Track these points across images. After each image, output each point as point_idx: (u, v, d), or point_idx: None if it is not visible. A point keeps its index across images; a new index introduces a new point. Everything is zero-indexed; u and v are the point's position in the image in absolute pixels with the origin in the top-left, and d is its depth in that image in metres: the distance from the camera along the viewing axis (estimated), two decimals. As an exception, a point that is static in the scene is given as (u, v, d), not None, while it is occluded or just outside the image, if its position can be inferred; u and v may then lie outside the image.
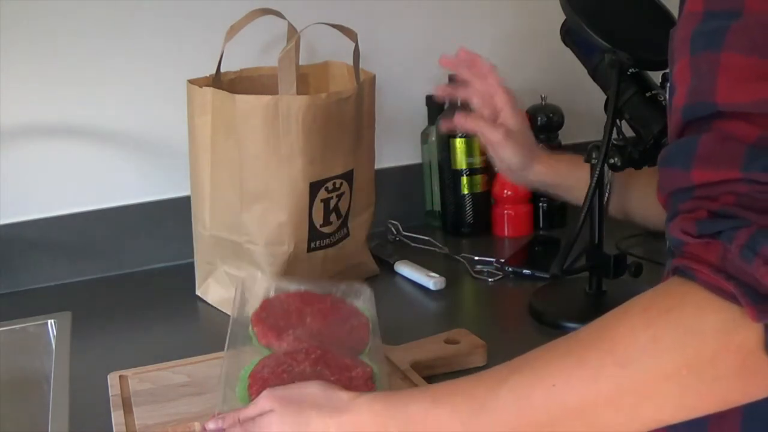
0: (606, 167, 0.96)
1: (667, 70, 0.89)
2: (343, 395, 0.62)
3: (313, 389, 0.63)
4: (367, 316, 0.81)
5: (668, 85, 0.57)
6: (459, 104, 1.31)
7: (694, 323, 0.49)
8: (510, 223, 1.31)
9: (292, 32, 1.09)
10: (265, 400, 0.63)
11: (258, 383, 0.67)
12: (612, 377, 0.50)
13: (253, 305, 0.80)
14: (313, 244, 1.05)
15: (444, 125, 1.05)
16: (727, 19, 0.50)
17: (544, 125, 1.32)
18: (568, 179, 1.01)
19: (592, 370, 0.51)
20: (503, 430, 0.54)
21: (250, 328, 0.77)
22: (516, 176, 1.03)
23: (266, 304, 0.79)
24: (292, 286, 0.83)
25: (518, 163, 1.00)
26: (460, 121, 1.01)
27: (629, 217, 1.02)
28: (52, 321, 1.07)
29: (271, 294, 0.83)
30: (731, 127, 0.49)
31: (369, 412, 0.60)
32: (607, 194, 0.99)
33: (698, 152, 0.50)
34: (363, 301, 0.84)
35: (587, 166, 0.94)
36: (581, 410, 0.51)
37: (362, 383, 0.68)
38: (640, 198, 0.99)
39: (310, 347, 0.72)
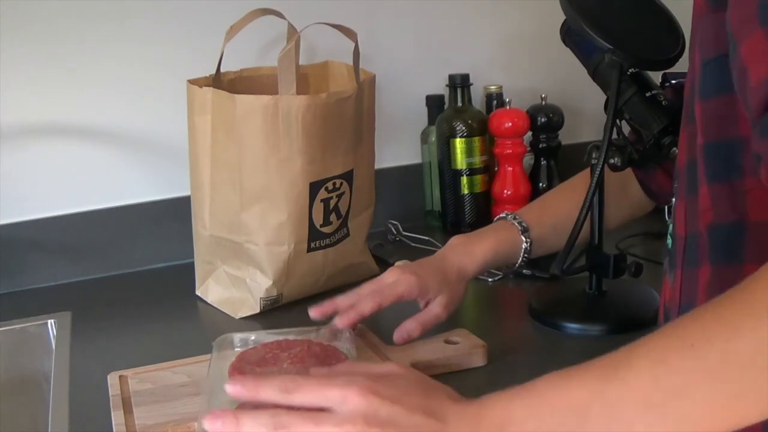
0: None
1: (667, 70, 0.90)
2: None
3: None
4: (347, 356, 0.79)
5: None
6: (459, 105, 1.31)
7: None
8: (510, 223, 1.31)
9: (292, 32, 1.09)
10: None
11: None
12: (753, 331, 0.47)
13: (228, 361, 0.79)
14: (313, 244, 1.05)
15: (400, 340, 0.89)
16: None
17: (544, 125, 1.33)
18: (501, 254, 0.98)
19: (732, 325, 0.48)
20: (636, 397, 0.50)
21: (228, 380, 0.76)
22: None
23: (243, 356, 0.79)
24: (270, 337, 0.83)
25: (464, 288, 0.95)
26: (405, 331, 0.88)
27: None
28: (52, 321, 1.07)
29: (249, 346, 0.82)
30: None
31: (494, 397, 0.57)
32: (526, 249, 0.98)
33: None
34: (343, 341, 0.83)
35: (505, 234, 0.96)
36: (721, 370, 0.48)
37: None
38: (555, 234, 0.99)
39: None
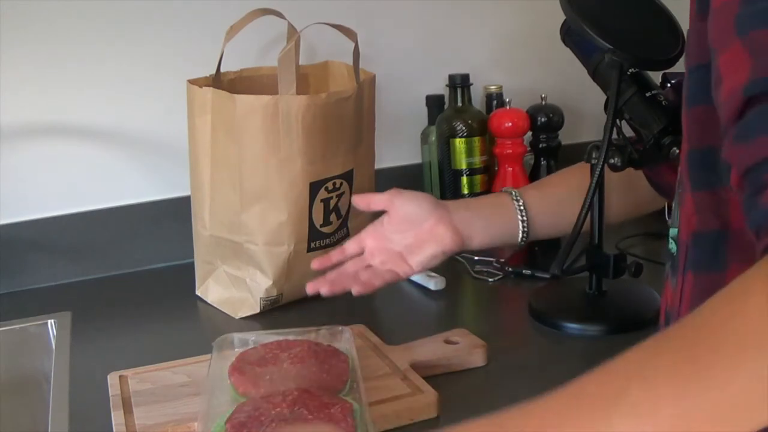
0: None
1: (667, 70, 0.90)
2: None
3: None
4: (347, 355, 0.80)
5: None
6: (459, 105, 1.31)
7: None
8: (510, 223, 1.31)
9: (292, 32, 1.09)
10: None
11: (236, 428, 0.67)
12: (753, 371, 0.42)
13: (229, 361, 0.79)
14: (313, 244, 1.05)
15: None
16: None
17: (544, 125, 1.32)
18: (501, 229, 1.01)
19: (686, 399, 0.43)
20: None
21: (228, 380, 0.77)
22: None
23: (243, 356, 0.79)
24: (270, 337, 0.83)
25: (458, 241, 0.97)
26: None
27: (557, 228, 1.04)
28: (52, 321, 1.07)
29: (250, 346, 0.82)
30: None
31: None
32: (524, 227, 1.01)
33: None
34: (343, 342, 0.83)
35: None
36: (715, 419, 0.43)
37: (341, 418, 0.67)
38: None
39: (287, 390, 0.71)
